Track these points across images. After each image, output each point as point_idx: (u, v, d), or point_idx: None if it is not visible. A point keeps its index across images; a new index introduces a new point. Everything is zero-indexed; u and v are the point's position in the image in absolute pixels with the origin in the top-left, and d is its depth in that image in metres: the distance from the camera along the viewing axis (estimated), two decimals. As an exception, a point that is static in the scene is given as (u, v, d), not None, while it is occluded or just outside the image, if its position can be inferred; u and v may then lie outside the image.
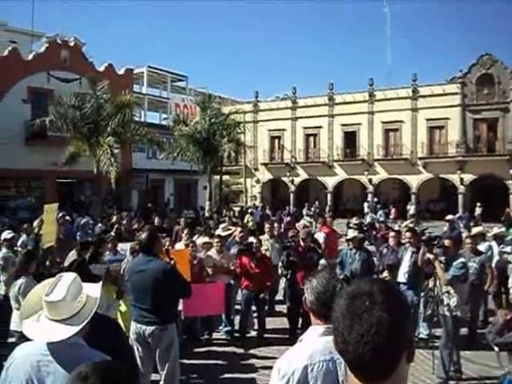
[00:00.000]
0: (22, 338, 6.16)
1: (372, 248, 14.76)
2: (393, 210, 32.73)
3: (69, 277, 2.80)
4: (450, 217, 16.96)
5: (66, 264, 9.26)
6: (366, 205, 39.35)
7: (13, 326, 6.77)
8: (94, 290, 2.91)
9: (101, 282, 3.17)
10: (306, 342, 2.74)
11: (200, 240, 10.86)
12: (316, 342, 2.66)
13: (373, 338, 1.37)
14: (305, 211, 31.89)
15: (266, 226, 11.40)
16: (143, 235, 6.06)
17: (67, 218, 16.59)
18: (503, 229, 13.28)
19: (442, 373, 7.53)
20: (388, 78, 70.78)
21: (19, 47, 29.47)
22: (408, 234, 9.58)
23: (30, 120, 26.37)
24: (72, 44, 30.62)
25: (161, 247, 6.26)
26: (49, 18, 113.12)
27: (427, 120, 42.44)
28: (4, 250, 9.45)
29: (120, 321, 5.70)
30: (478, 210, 34.31)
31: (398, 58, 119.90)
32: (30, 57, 29.06)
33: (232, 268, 9.60)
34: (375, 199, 42.42)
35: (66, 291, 2.67)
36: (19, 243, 10.53)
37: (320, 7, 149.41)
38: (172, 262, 6.37)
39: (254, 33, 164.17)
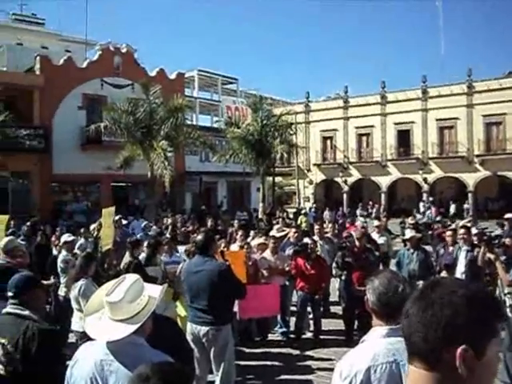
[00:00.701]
0: (83, 338, 6.33)
1: (429, 248, 14.47)
2: (433, 210, 32.03)
3: (131, 278, 2.85)
4: (509, 215, 16.41)
5: (123, 265, 9.46)
6: (421, 204, 38.68)
7: (74, 327, 6.93)
8: (155, 290, 2.94)
9: (165, 285, 3.21)
10: (369, 343, 2.67)
11: (255, 241, 10.85)
12: (379, 344, 2.59)
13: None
14: (359, 212, 31.58)
15: (316, 227, 11.27)
16: (199, 236, 6.12)
17: (123, 221, 16.86)
18: None
19: (505, 377, 7.28)
20: (441, 74, 68.99)
21: (73, 56, 30.22)
22: (462, 231, 9.27)
23: (86, 126, 27.00)
24: (124, 51, 31.18)
25: (216, 248, 6.30)
26: (101, 26, 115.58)
27: (484, 116, 41.38)
28: (64, 252, 9.68)
29: (179, 323, 5.74)
30: None
31: (451, 52, 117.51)
32: (85, 64, 29.76)
33: (287, 269, 9.56)
34: (430, 198, 41.64)
35: (125, 292, 2.72)
36: (77, 246, 10.75)
37: (370, 4, 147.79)
38: (227, 263, 6.40)
39: (303, 33, 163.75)
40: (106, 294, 2.75)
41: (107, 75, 29.70)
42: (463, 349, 1.36)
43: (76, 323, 6.82)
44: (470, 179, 42.15)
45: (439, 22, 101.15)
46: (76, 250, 9.85)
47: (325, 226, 13.92)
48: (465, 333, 1.37)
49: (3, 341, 3.61)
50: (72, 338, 7.34)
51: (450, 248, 10.29)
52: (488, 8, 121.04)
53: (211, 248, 6.04)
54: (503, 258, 7.83)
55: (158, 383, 1.92)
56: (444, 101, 42.62)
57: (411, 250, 9.90)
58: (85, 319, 2.91)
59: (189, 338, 5.90)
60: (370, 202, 37.96)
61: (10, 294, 3.81)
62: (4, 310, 3.81)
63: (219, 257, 6.56)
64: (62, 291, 9.14)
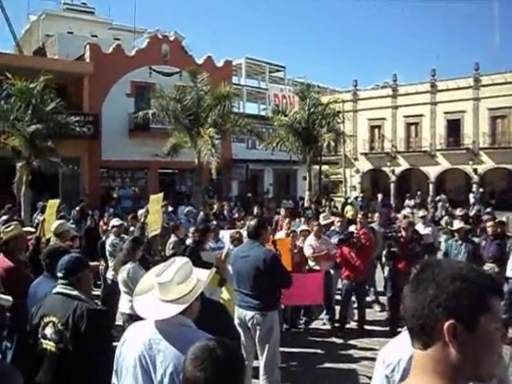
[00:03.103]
0: (130, 320, 6.46)
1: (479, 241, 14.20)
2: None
3: (180, 261, 2.92)
4: None
5: (168, 244, 9.64)
6: (471, 196, 37.86)
7: (121, 309, 7.07)
8: (203, 274, 2.98)
9: (214, 269, 3.26)
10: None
11: (299, 228, 10.84)
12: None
13: None
14: (406, 202, 31.15)
15: (359, 216, 11.12)
16: (252, 222, 6.19)
17: (170, 208, 17.06)
18: None
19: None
20: (496, 62, 67.27)
21: (122, 44, 30.59)
22: (518, 225, 9.02)
23: (134, 113, 27.33)
24: (172, 38, 31.37)
25: (267, 237, 6.36)
26: (150, 15, 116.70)
27: (540, 105, 40.13)
28: (112, 236, 9.87)
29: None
30: None
31: (507, 41, 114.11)
32: (133, 53, 30.06)
33: (333, 252, 9.53)
34: (481, 190, 40.75)
35: (174, 273, 2.78)
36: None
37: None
38: (277, 252, 6.45)
39: (351, 21, 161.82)
40: (156, 275, 2.82)
41: (155, 63, 29.96)
42: (450, 323, 1.41)
43: (123, 306, 6.96)
44: (523, 171, 41.06)
45: (494, 9, 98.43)
46: (124, 235, 10.03)
47: (370, 215, 13.80)
48: (449, 308, 1.42)
49: (54, 319, 3.72)
50: (119, 320, 7.49)
51: (492, 239, 10.04)
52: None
53: (261, 235, 6.10)
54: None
55: (223, 354, 2.08)
56: (497, 89, 41.44)
57: (459, 242, 9.75)
58: (135, 299, 2.98)
59: (236, 321, 5.98)
60: (419, 192, 37.27)
61: (59, 274, 3.93)
62: (54, 290, 3.93)
63: (271, 246, 6.61)
64: (110, 274, 9.35)
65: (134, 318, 6.09)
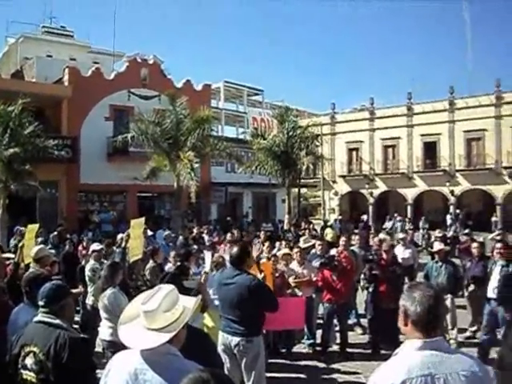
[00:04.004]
0: (111, 347, 6.36)
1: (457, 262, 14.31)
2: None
3: (166, 288, 2.88)
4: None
5: (146, 270, 9.55)
6: (448, 217, 38.26)
7: (101, 335, 6.96)
8: (190, 301, 2.96)
9: (199, 296, 3.23)
10: (403, 356, 2.63)
11: (280, 252, 10.82)
12: (413, 356, 2.56)
13: None
14: (386, 224, 31.35)
15: (343, 239, 11.12)
16: (235, 248, 6.12)
17: (149, 232, 16.94)
18: None
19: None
20: (469, 85, 68.45)
21: (101, 67, 30.60)
22: (499, 245, 9.04)
23: (113, 136, 27.24)
24: (151, 62, 31.44)
25: (251, 263, 6.30)
26: (128, 38, 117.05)
27: (513, 128, 40.87)
28: (92, 261, 9.77)
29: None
30: None
31: (479, 63, 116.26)
32: (112, 76, 30.05)
33: (314, 279, 9.52)
34: (457, 211, 41.18)
35: (160, 301, 2.75)
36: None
37: (395, 14, 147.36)
38: (262, 274, 6.40)
39: (329, 44, 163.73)
40: (142, 303, 2.78)
41: (134, 86, 29.97)
42: None
43: (104, 332, 6.85)
44: (498, 192, 41.61)
45: (467, 33, 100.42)
46: (104, 260, 9.93)
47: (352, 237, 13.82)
48: None
49: (34, 349, 3.64)
50: (98, 347, 7.38)
51: (477, 260, 10.20)
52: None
53: (245, 262, 6.03)
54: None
55: None
56: (471, 112, 42.19)
57: (439, 263, 9.82)
58: (120, 327, 2.92)
59: (220, 348, 5.91)
60: (395, 214, 37.58)
61: (41, 302, 3.85)
62: (35, 319, 3.85)
63: (255, 268, 6.56)
64: (89, 300, 9.22)
65: (114, 345, 6.03)
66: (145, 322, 2.75)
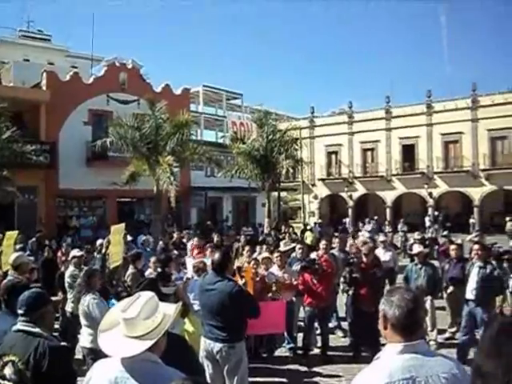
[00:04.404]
0: (91, 354, 6.31)
1: (436, 263, 14.44)
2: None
3: (146, 296, 2.85)
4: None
5: (127, 276, 9.47)
6: (427, 219, 38.59)
7: (81, 343, 6.90)
8: (170, 309, 2.94)
9: (180, 303, 3.21)
10: (384, 359, 2.64)
11: (260, 256, 10.82)
12: (395, 360, 2.57)
13: None
14: (365, 227, 31.46)
15: (323, 242, 11.15)
16: (217, 255, 6.11)
17: (129, 237, 16.83)
18: None
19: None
20: (446, 88, 69.24)
21: (80, 72, 30.41)
22: (476, 247, 9.15)
23: (91, 141, 27.07)
24: (130, 66, 31.32)
25: (232, 269, 6.30)
26: (107, 42, 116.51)
27: (489, 130, 41.44)
28: (71, 267, 9.67)
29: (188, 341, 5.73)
30: (509, 225, 31.80)
31: (456, 67, 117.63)
32: (91, 80, 29.90)
33: (295, 283, 9.53)
34: (436, 213, 41.57)
35: (140, 309, 2.72)
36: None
37: (374, 19, 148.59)
38: (243, 280, 6.40)
39: (308, 49, 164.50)
40: (122, 311, 2.75)
41: (113, 91, 29.84)
42: None
43: (84, 339, 6.80)
44: (476, 194, 42.11)
45: (444, 37, 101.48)
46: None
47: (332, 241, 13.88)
48: None
49: (13, 358, 3.59)
50: (79, 354, 7.31)
51: (455, 262, 10.31)
52: (494, 23, 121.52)
53: (226, 268, 6.04)
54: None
55: None
56: (449, 115, 42.73)
57: (419, 266, 9.92)
58: (99, 335, 2.90)
59: (202, 354, 5.90)
60: (376, 217, 37.87)
61: (20, 311, 3.80)
62: (14, 327, 3.80)
63: (236, 274, 6.56)
64: (69, 307, 9.13)
65: (94, 352, 5.98)
66: (125, 329, 2.73)
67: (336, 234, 20.48)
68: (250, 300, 6.16)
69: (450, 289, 10.39)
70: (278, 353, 9.67)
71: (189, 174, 32.01)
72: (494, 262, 8.75)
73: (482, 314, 8.52)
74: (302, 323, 10.08)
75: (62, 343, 4.21)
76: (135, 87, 30.19)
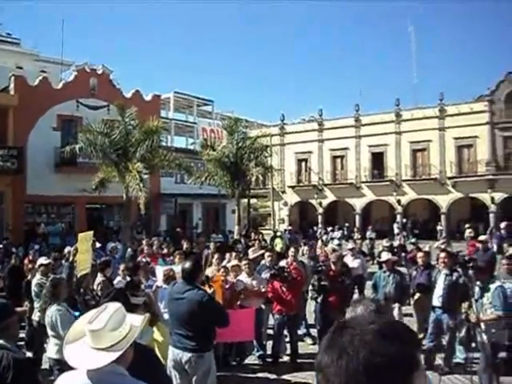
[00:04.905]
0: (57, 365, 6.22)
1: (403, 270, 14.58)
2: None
3: (113, 307, 2.83)
4: (483, 237, 16.63)
5: (96, 285, 9.36)
6: (395, 226, 39.02)
7: (48, 353, 6.79)
8: (137, 320, 2.93)
9: (147, 314, 3.19)
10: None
11: (230, 264, 10.81)
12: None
13: None
14: (334, 234, 31.67)
15: (292, 250, 11.18)
16: (187, 264, 6.09)
17: (98, 244, 16.66)
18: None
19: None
20: (414, 97, 70.17)
21: (49, 76, 30.07)
22: (442, 255, 9.31)
23: (60, 147, 26.76)
24: (100, 72, 31.11)
25: (202, 277, 6.29)
26: (77, 47, 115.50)
27: (455, 139, 42.15)
28: (38, 275, 9.51)
29: (156, 349, 5.69)
30: (467, 232, 32.66)
31: (424, 77, 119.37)
32: (60, 85, 29.60)
33: (263, 290, 9.53)
34: (404, 220, 42.03)
35: (107, 320, 2.70)
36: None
37: (344, 28, 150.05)
38: (212, 289, 6.39)
39: (278, 56, 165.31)
40: (88, 322, 2.72)
41: (83, 96, 29.56)
42: None
43: (51, 350, 6.69)
44: (443, 201, 42.72)
45: (412, 47, 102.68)
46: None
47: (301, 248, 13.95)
48: (387, 372, 1.21)
49: (-23, 371, 3.54)
50: (45, 364, 7.21)
51: (422, 269, 10.44)
52: (460, 34, 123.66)
53: (197, 277, 6.03)
54: (477, 282, 7.84)
55: None
56: (417, 124, 43.38)
57: (387, 273, 10.01)
58: (65, 347, 2.85)
59: (170, 363, 5.86)
60: (346, 224, 38.23)
61: (-16, 322, 3.74)
62: (-22, 339, 3.74)
63: (205, 283, 6.54)
64: (35, 316, 8.97)
65: (61, 362, 5.89)
66: (91, 341, 2.70)
67: (305, 240, 20.56)
68: (219, 309, 6.16)
69: (417, 296, 10.51)
70: (247, 361, 9.66)
71: (159, 180, 31.84)
72: (459, 270, 8.85)
73: (448, 321, 8.67)
74: (271, 331, 10.09)
75: (27, 355, 4.16)
76: (105, 93, 29.97)
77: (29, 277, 10.60)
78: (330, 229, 35.48)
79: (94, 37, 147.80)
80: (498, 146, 40.82)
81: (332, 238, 27.91)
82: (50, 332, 6.70)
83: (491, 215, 40.00)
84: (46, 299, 6.91)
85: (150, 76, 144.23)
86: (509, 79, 40.44)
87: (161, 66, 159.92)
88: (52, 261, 10.97)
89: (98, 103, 29.74)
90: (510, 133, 40.36)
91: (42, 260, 9.96)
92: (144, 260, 11.75)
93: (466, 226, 33.29)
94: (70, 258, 10.70)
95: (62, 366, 5.57)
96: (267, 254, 11.32)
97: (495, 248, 25.64)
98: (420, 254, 11.10)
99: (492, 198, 40.06)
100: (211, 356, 6.04)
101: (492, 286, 7.56)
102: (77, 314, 6.53)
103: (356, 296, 12.37)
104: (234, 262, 10.77)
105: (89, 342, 2.72)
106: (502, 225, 30.92)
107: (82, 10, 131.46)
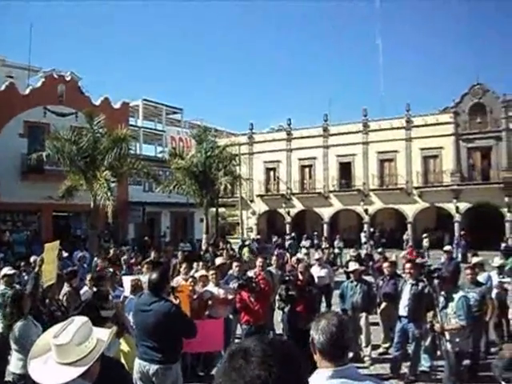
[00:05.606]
0: (21, 380, 6.09)
1: (370, 279, 14.72)
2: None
3: (79, 320, 2.80)
4: (448, 247, 16.93)
5: (64, 299, 9.21)
6: (362, 235, 39.39)
7: (12, 368, 6.62)
8: (104, 334, 2.91)
9: (114, 328, 3.17)
10: (314, 385, 2.67)
11: (198, 274, 10.78)
12: (323, 386, 2.61)
13: None
14: (303, 243, 31.78)
15: (259, 260, 11.18)
16: (154, 275, 6.02)
17: (64, 253, 16.47)
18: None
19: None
20: (382, 108, 71.10)
21: (16, 82, 29.70)
22: (408, 265, 9.47)
23: (27, 154, 26.45)
24: (68, 78, 30.87)
25: (169, 288, 6.25)
26: (45, 53, 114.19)
27: (421, 149, 42.77)
28: (2, 286, 9.29)
29: (123, 360, 5.65)
30: (425, 242, 33.62)
31: (391, 88, 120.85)
32: (27, 91, 29.26)
33: (230, 297, 9.51)
34: (371, 229, 42.45)
35: (73, 334, 2.67)
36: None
37: (313, 39, 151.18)
38: (177, 300, 6.35)
39: (247, 64, 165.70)
40: (54, 337, 2.69)
41: (50, 103, 29.28)
42: None
43: (14, 365, 6.50)
44: (410, 210, 43.23)
45: (379, 58, 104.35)
46: (16, 285, 9.52)
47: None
48: None
49: None
50: (8, 377, 7.06)
51: (389, 279, 10.59)
52: (427, 45, 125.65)
53: (163, 288, 5.99)
54: (441, 292, 7.97)
55: None
56: (384, 134, 43.92)
57: (354, 283, 10.11)
58: (29, 362, 2.81)
59: (136, 375, 5.80)
60: (315, 233, 38.41)
61: None
62: None
63: (170, 294, 6.50)
64: (-1, 328, 8.79)
65: (25, 378, 5.77)
66: (56, 356, 2.67)
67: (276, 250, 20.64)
68: (186, 321, 6.13)
69: (384, 305, 10.63)
70: (214, 371, 9.61)
71: (127, 188, 31.67)
72: (425, 280, 8.99)
73: (414, 330, 8.80)
74: (238, 341, 10.06)
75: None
76: (73, 100, 29.73)
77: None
78: (287, 237, 35.63)
79: (62, 42, 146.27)
80: (463, 156, 41.54)
81: (300, 247, 28.00)
82: (13, 346, 6.51)
83: (456, 224, 40.64)
84: (10, 313, 6.75)
85: (119, 84, 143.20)
86: (472, 92, 41.22)
87: (130, 74, 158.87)
88: (17, 270, 10.78)
89: (65, 110, 29.50)
90: (474, 144, 41.11)
91: (7, 270, 9.75)
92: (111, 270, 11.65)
93: (424, 235, 34.16)
94: (36, 269, 10.54)
95: (26, 380, 5.46)
96: (235, 263, 11.33)
97: (460, 257, 26.16)
98: (386, 264, 11.26)
99: (457, 208, 40.70)
100: (178, 367, 6.01)
101: (456, 296, 7.70)
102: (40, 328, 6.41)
103: (323, 305, 12.48)
104: (202, 271, 10.74)
105: (54, 356, 2.69)
106: (458, 234, 31.72)
107: (50, 13, 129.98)
